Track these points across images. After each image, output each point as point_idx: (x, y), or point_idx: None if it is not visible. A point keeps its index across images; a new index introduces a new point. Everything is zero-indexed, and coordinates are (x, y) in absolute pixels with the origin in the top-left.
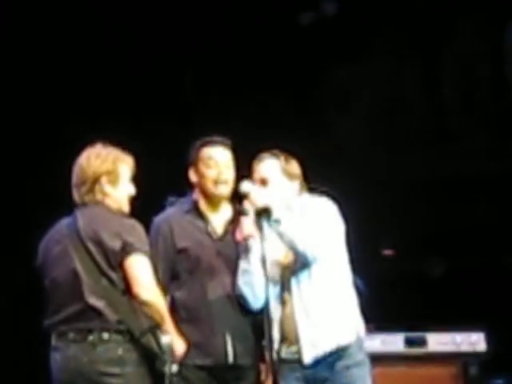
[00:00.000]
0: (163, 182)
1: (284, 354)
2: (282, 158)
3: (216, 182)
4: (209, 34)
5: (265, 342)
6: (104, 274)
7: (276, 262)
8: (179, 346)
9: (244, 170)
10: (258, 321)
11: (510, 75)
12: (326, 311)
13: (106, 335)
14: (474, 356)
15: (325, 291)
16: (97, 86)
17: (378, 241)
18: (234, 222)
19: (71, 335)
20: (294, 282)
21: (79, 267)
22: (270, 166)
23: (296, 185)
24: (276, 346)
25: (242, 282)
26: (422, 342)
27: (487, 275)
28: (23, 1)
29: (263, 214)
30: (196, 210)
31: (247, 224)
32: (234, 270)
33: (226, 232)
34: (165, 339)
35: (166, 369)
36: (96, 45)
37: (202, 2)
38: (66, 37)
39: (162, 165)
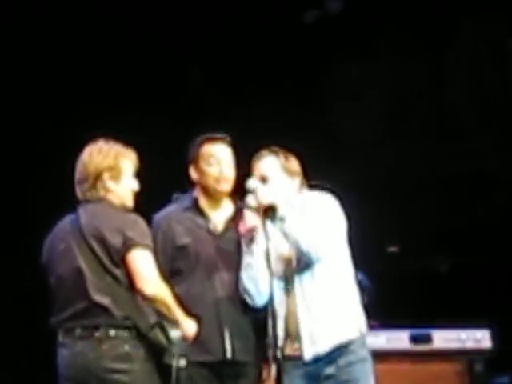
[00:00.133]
0: (167, 179)
1: (288, 351)
2: (282, 155)
3: (218, 180)
4: (211, 33)
5: (268, 340)
6: (108, 272)
7: (280, 256)
8: (190, 327)
9: (244, 167)
10: (258, 318)
11: None
12: (327, 308)
13: (112, 332)
14: (479, 353)
15: (327, 288)
16: (98, 84)
17: (382, 238)
18: (235, 219)
19: (78, 331)
20: (296, 279)
21: (83, 265)
22: (269, 163)
23: (296, 182)
24: (280, 343)
25: (245, 277)
26: (427, 339)
27: (492, 272)
28: (23, 1)
29: (269, 211)
30: (196, 207)
31: (250, 216)
32: (234, 267)
33: (226, 229)
34: (174, 333)
35: (174, 362)
36: (97, 44)
37: (204, 1)
38: (66, 35)
39: (164, 162)
